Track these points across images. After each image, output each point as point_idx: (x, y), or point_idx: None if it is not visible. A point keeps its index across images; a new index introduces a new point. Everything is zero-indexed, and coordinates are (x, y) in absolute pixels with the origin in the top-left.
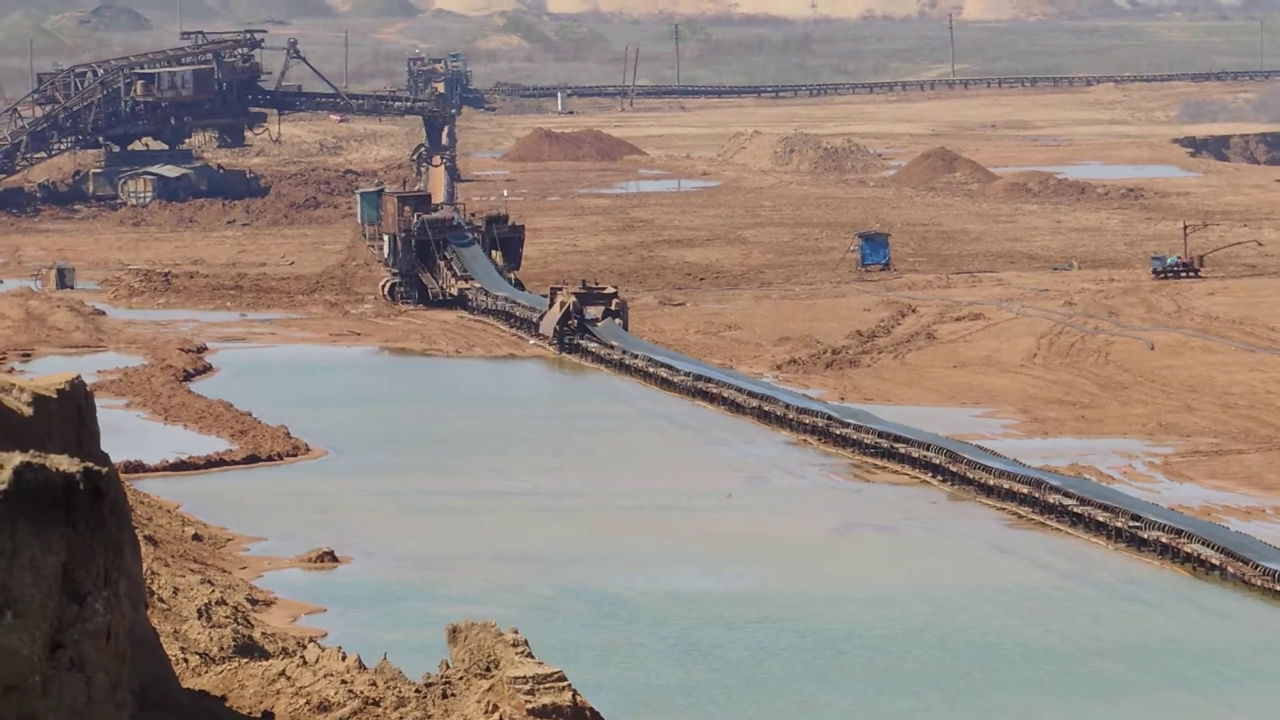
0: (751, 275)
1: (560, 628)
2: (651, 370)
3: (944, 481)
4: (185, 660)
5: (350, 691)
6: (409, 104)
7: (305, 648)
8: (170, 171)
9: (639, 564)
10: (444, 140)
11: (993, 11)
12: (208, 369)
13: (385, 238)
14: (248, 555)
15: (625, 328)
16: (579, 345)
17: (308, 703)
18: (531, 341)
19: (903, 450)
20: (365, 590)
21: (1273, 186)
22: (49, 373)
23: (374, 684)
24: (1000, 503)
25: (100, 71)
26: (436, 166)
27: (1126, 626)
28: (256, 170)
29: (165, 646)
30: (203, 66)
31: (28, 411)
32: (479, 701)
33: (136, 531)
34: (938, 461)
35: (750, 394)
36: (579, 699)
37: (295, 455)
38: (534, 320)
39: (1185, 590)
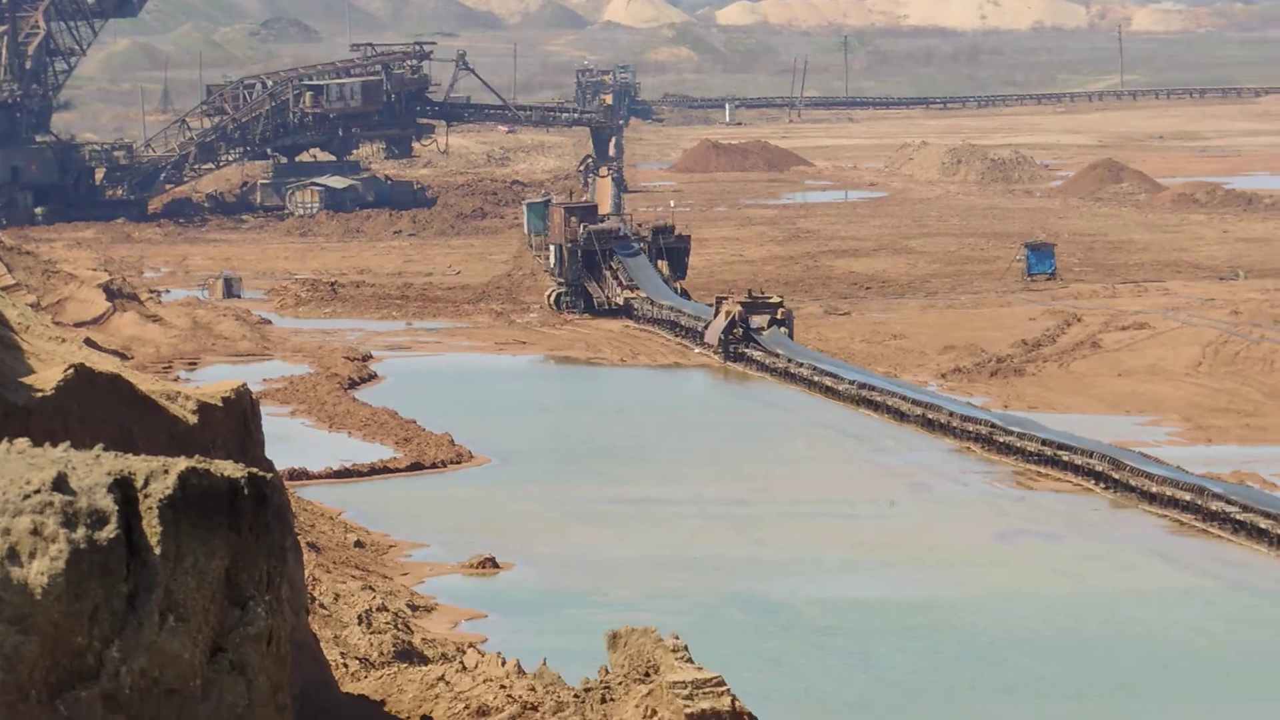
0: (917, 285)
1: (721, 635)
2: (816, 379)
3: (1107, 489)
4: (345, 665)
5: (509, 696)
6: (576, 115)
7: (465, 653)
8: (337, 182)
9: (801, 572)
10: (611, 151)
11: (1162, 23)
12: (373, 377)
13: (551, 248)
14: (409, 562)
15: (790, 337)
16: (744, 354)
17: (466, 707)
18: (696, 350)
19: (1066, 458)
20: (526, 596)
21: None
22: (215, 381)
23: (533, 689)
24: (1163, 510)
25: (269, 83)
26: (603, 177)
27: None
28: (424, 181)
29: (326, 652)
30: (371, 78)
31: (193, 419)
32: (637, 706)
33: (299, 538)
34: (1101, 469)
35: (914, 402)
36: (738, 704)
37: (459, 463)
38: (699, 329)
39: None
